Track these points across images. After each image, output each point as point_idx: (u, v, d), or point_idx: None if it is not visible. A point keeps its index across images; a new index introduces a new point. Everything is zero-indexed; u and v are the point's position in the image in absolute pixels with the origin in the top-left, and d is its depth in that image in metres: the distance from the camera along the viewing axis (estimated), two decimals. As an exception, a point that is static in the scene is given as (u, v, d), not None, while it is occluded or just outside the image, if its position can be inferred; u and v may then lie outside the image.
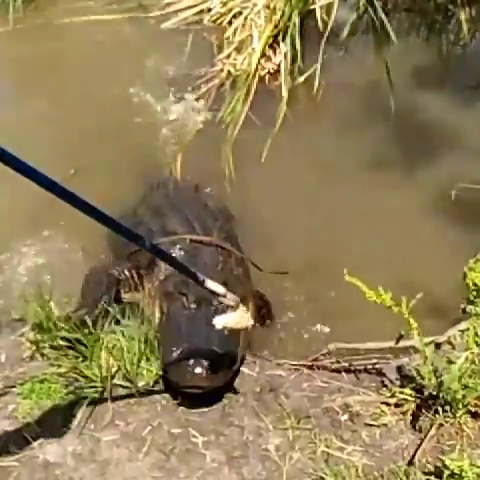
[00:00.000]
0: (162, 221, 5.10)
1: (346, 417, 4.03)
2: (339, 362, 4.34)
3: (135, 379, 4.15)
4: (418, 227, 5.55)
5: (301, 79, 7.00)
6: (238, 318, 3.99)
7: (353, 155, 6.21)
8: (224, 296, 3.88)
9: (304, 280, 5.15)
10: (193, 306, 4.28)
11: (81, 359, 4.19)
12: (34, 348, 4.31)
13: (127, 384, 4.15)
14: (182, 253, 4.76)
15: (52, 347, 4.26)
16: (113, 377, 4.14)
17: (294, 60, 7.07)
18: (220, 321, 3.99)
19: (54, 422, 3.97)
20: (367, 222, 5.63)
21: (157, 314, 4.46)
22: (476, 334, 4.11)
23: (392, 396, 4.07)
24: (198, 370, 3.90)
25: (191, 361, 3.93)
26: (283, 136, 6.40)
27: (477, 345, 4.10)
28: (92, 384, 4.09)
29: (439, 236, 5.44)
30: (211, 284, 3.83)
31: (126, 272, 4.82)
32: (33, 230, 5.50)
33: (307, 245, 5.46)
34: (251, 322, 4.10)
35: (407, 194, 5.84)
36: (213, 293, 3.87)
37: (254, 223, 5.57)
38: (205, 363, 3.91)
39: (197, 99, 6.85)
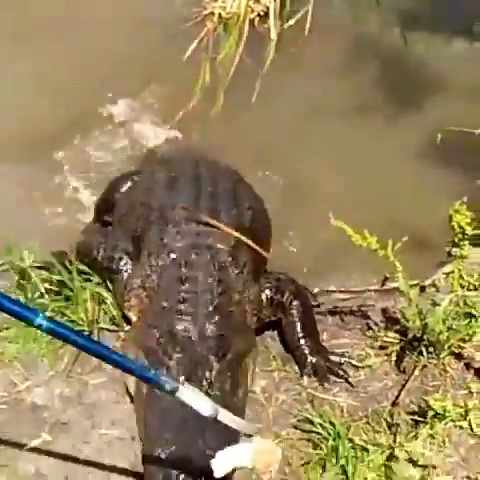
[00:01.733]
0: (171, 195, 4.39)
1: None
2: (324, 304, 4.37)
3: (121, 323, 4.16)
4: (404, 170, 5.55)
5: (291, 22, 6.92)
6: (257, 452, 2.77)
7: (341, 97, 6.17)
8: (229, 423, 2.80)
9: (290, 220, 5.15)
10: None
11: (67, 304, 4.19)
12: (20, 292, 4.31)
13: (113, 328, 4.17)
14: (173, 265, 3.96)
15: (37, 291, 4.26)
16: (99, 321, 4.15)
17: (282, 3, 6.95)
18: (222, 464, 2.73)
19: (41, 366, 3.98)
20: (354, 163, 5.62)
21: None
22: (461, 276, 4.13)
23: (377, 338, 4.12)
24: None
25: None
26: (272, 78, 6.35)
27: (461, 287, 4.14)
28: (78, 328, 4.09)
29: (425, 178, 5.45)
30: (190, 395, 2.72)
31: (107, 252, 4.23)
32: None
33: (293, 184, 5.46)
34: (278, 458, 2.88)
35: (394, 136, 5.82)
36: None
37: (244, 160, 5.43)
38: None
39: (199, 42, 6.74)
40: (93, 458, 3.54)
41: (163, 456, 3.10)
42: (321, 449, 3.55)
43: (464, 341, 3.94)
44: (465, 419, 3.63)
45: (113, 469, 3.49)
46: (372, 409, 3.79)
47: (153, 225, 4.22)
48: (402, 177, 5.49)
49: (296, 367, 4.03)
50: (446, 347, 3.90)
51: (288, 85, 6.28)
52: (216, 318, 3.68)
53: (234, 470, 2.86)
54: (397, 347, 4.03)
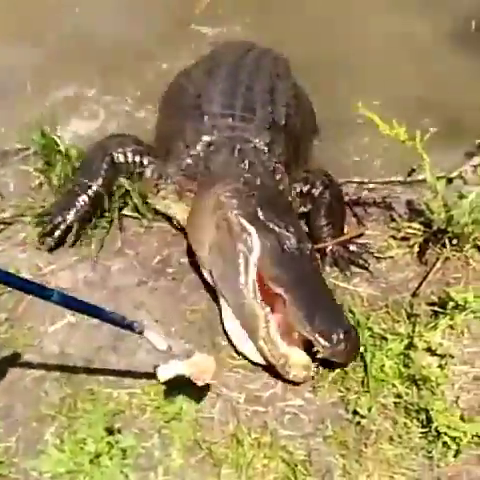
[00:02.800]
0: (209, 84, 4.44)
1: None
2: (348, 195, 4.33)
3: (145, 211, 4.18)
4: (437, 55, 5.39)
5: None
6: (193, 364, 3.25)
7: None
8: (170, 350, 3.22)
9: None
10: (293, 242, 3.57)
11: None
12: (42, 177, 4.31)
13: (137, 215, 4.19)
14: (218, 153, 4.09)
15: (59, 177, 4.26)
16: (122, 208, 4.17)
17: None
18: (165, 371, 3.23)
19: (65, 251, 4.02)
20: (385, 47, 5.50)
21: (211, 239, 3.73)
22: (489, 169, 4.07)
23: (400, 230, 4.10)
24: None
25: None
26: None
27: (489, 180, 4.08)
28: (103, 214, 4.13)
29: (457, 67, 5.27)
30: (152, 335, 3.20)
31: (128, 156, 4.19)
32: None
33: (323, 69, 5.29)
34: (213, 368, 3.32)
35: (427, 21, 5.65)
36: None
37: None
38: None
39: None
40: (116, 339, 3.62)
41: None
42: (341, 337, 3.60)
43: (488, 234, 3.92)
44: (485, 311, 3.65)
45: (139, 347, 3.57)
46: (392, 299, 3.81)
47: (189, 114, 4.28)
48: (433, 64, 5.33)
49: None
50: (470, 240, 3.88)
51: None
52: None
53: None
54: (420, 239, 4.02)
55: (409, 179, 4.27)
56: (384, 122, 3.79)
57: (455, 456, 3.19)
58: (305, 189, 4.14)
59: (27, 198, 4.26)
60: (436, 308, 3.70)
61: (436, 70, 5.29)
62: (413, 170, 4.16)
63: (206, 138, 4.12)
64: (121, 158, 4.16)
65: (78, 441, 3.18)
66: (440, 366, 3.45)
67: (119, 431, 3.22)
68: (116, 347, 3.61)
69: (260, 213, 3.62)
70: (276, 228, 3.56)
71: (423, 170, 3.92)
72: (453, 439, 3.19)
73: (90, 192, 4.07)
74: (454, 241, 3.91)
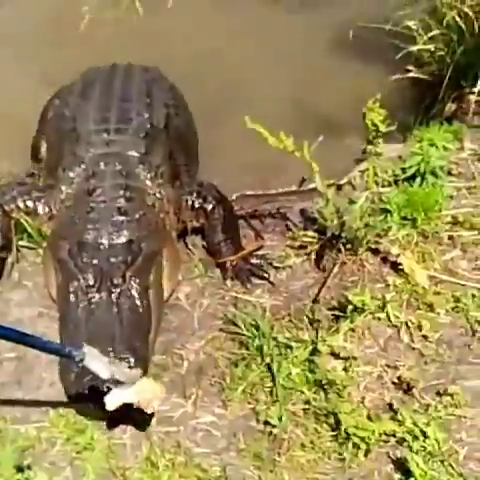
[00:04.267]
0: (83, 104, 4.40)
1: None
2: (244, 209, 4.39)
3: (40, 240, 4.11)
4: (317, 66, 5.50)
5: None
6: (141, 391, 3.18)
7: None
8: (111, 380, 3.11)
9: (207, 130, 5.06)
10: (92, 291, 3.47)
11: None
12: None
13: (33, 245, 4.13)
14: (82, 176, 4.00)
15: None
16: (18, 239, 4.11)
17: None
18: (113, 400, 3.12)
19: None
20: (266, 59, 5.57)
21: (54, 278, 3.72)
22: (375, 173, 4.20)
23: (296, 239, 4.18)
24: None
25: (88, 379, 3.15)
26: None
27: (376, 184, 4.22)
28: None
29: (337, 76, 5.41)
30: (93, 364, 3.08)
31: (17, 200, 4.13)
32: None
33: (208, 85, 5.35)
34: (162, 394, 3.27)
35: (306, 32, 5.77)
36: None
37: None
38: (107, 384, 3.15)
39: None
40: (20, 374, 3.57)
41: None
42: (247, 349, 3.64)
43: (380, 236, 4.05)
44: (383, 311, 3.77)
45: (43, 380, 3.53)
46: (294, 307, 3.88)
47: (66, 138, 4.26)
48: (314, 74, 5.43)
49: (219, 272, 4.08)
50: (363, 243, 4.00)
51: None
52: (124, 224, 3.71)
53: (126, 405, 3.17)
54: (316, 246, 4.11)
55: (301, 188, 4.36)
56: (271, 135, 3.84)
57: (365, 455, 3.28)
58: (197, 203, 4.14)
59: None
60: (336, 312, 3.79)
61: (313, 78, 5.42)
62: (304, 180, 4.25)
63: (81, 158, 4.06)
64: (11, 205, 4.10)
65: (-13, 483, 3.11)
66: (345, 369, 3.55)
67: (29, 467, 3.15)
68: (21, 382, 3.54)
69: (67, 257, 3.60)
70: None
71: (313, 179, 4.00)
72: (362, 439, 3.27)
73: None
74: (348, 246, 4.01)
